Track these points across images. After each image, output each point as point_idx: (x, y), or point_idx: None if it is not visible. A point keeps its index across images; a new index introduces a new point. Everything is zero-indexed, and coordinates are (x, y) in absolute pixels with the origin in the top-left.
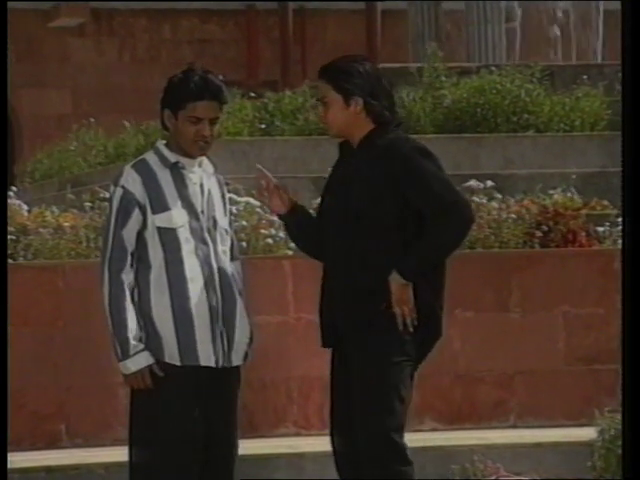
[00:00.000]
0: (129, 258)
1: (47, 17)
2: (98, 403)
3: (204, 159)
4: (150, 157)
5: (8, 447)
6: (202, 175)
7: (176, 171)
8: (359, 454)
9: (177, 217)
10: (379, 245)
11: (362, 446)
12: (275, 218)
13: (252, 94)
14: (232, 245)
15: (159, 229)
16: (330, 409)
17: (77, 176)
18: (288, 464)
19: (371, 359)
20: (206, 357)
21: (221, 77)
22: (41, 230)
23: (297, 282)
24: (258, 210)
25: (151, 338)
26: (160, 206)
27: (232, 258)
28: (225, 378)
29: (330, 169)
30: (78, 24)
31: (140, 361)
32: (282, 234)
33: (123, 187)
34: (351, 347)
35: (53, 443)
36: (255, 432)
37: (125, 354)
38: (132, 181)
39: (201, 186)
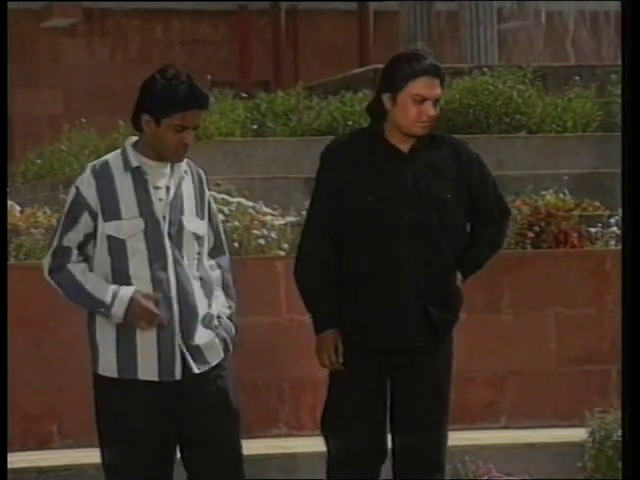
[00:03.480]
0: (74, 253)
1: (39, 17)
2: (89, 404)
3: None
4: (114, 158)
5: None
6: (171, 177)
7: (137, 175)
8: (413, 455)
9: (127, 227)
10: (455, 244)
11: (423, 448)
12: (267, 218)
13: (244, 95)
14: (215, 245)
15: (108, 237)
16: (346, 412)
17: (69, 177)
18: (280, 465)
19: (446, 364)
20: (147, 371)
21: (210, 77)
22: (33, 230)
23: (289, 283)
24: (250, 211)
25: (92, 350)
26: (112, 214)
27: (213, 257)
28: (196, 385)
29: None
30: (70, 24)
31: (123, 298)
32: (274, 234)
33: (77, 189)
34: (420, 355)
35: (44, 444)
36: (247, 433)
37: (104, 306)
38: (87, 184)
39: (167, 189)
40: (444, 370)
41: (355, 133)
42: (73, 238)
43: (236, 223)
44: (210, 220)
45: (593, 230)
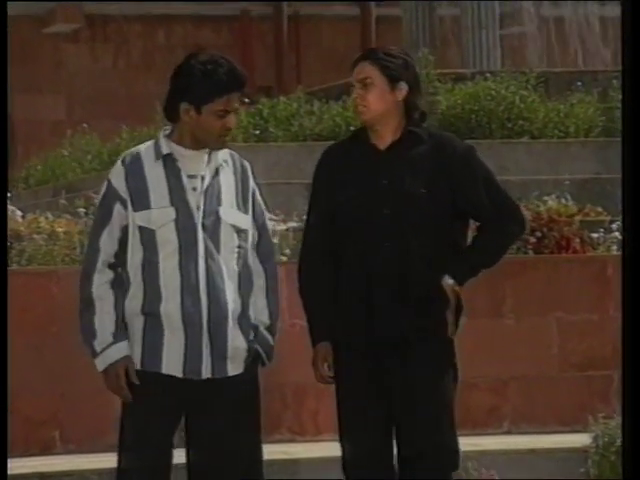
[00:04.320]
0: (101, 257)
1: (42, 23)
2: (92, 409)
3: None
4: (146, 149)
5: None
6: (208, 166)
7: (169, 163)
8: (413, 460)
9: (157, 217)
10: (436, 246)
11: (423, 452)
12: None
13: (246, 100)
14: (261, 243)
15: (140, 228)
16: (350, 418)
17: (71, 182)
18: (282, 470)
19: (433, 367)
20: (172, 366)
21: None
22: (35, 236)
23: (291, 288)
24: None
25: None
26: (141, 203)
27: (259, 256)
28: (215, 388)
29: (331, 164)
30: (73, 30)
31: (108, 357)
32: (276, 240)
33: (109, 180)
34: (409, 353)
35: (47, 449)
36: None
37: (94, 352)
38: (117, 174)
39: (202, 178)
40: (437, 369)
41: (346, 138)
42: (106, 234)
43: None
44: (254, 215)
45: (595, 235)
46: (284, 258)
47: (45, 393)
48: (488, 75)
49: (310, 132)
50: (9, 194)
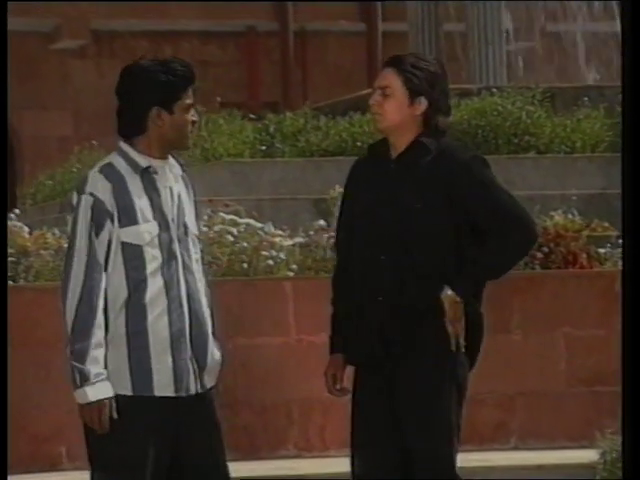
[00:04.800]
0: (104, 276)
1: (48, 39)
2: None
3: (170, 159)
4: (117, 161)
5: (9, 470)
6: (171, 178)
7: (147, 177)
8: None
9: (145, 232)
10: (434, 259)
11: (419, 468)
12: (276, 239)
13: (253, 116)
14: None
15: (123, 244)
16: (359, 432)
17: None
18: None
19: (429, 381)
20: (163, 387)
21: (218, 98)
22: (42, 252)
23: (298, 303)
24: (259, 231)
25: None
26: (128, 219)
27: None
28: (198, 403)
29: (351, 176)
30: (79, 46)
31: (101, 391)
32: (283, 255)
33: (92, 195)
34: (404, 368)
35: (53, 465)
36: (256, 454)
37: (85, 380)
38: (102, 188)
39: (171, 190)
40: (432, 381)
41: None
42: (100, 251)
43: (245, 244)
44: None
45: (602, 251)
46: (291, 274)
47: (52, 409)
48: (494, 90)
49: (317, 148)
50: (16, 210)
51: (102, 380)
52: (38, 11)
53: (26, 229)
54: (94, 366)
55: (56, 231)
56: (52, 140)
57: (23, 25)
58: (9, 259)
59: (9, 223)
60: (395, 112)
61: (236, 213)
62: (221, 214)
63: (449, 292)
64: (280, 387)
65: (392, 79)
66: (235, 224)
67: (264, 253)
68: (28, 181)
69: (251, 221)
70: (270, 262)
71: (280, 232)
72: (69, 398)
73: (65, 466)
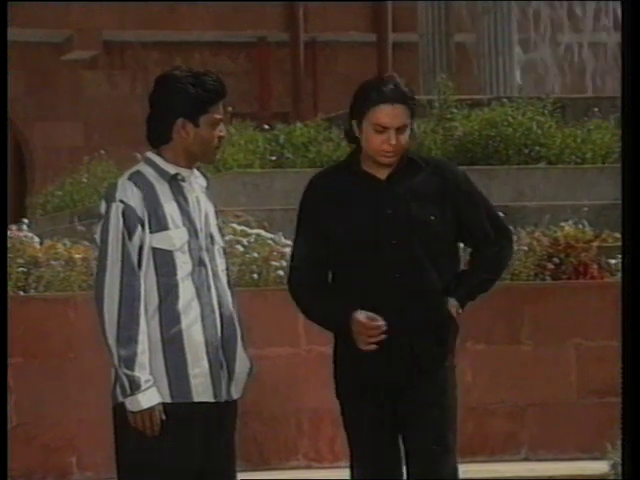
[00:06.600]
0: (142, 281)
1: (60, 50)
2: (109, 436)
3: (195, 171)
4: (145, 169)
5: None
6: (197, 188)
7: (175, 184)
8: None
9: (176, 237)
10: (445, 272)
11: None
12: (286, 250)
13: (263, 126)
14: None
15: (154, 250)
16: (359, 447)
17: (89, 208)
18: None
19: (443, 395)
20: (202, 392)
21: (229, 109)
22: (52, 262)
23: None
24: (269, 242)
25: None
26: (159, 224)
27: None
28: (225, 412)
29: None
30: (91, 57)
31: (152, 397)
32: None
33: (122, 202)
34: (425, 382)
35: (64, 476)
36: (266, 465)
37: (136, 387)
38: (132, 195)
39: (197, 200)
40: (441, 401)
41: (334, 166)
42: (134, 258)
43: (255, 254)
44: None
45: (613, 261)
46: None
47: (62, 419)
48: (505, 101)
49: (327, 158)
50: (27, 221)
51: (151, 386)
52: (50, 22)
53: (37, 239)
54: (143, 372)
55: (66, 241)
56: (63, 150)
57: (35, 36)
58: (19, 269)
59: (20, 233)
60: (407, 143)
61: (247, 223)
62: (232, 224)
63: (455, 302)
64: (290, 398)
65: (406, 117)
66: (245, 234)
67: (274, 264)
68: (38, 191)
69: (262, 231)
70: (280, 272)
71: (290, 242)
72: (79, 408)
73: (75, 476)
